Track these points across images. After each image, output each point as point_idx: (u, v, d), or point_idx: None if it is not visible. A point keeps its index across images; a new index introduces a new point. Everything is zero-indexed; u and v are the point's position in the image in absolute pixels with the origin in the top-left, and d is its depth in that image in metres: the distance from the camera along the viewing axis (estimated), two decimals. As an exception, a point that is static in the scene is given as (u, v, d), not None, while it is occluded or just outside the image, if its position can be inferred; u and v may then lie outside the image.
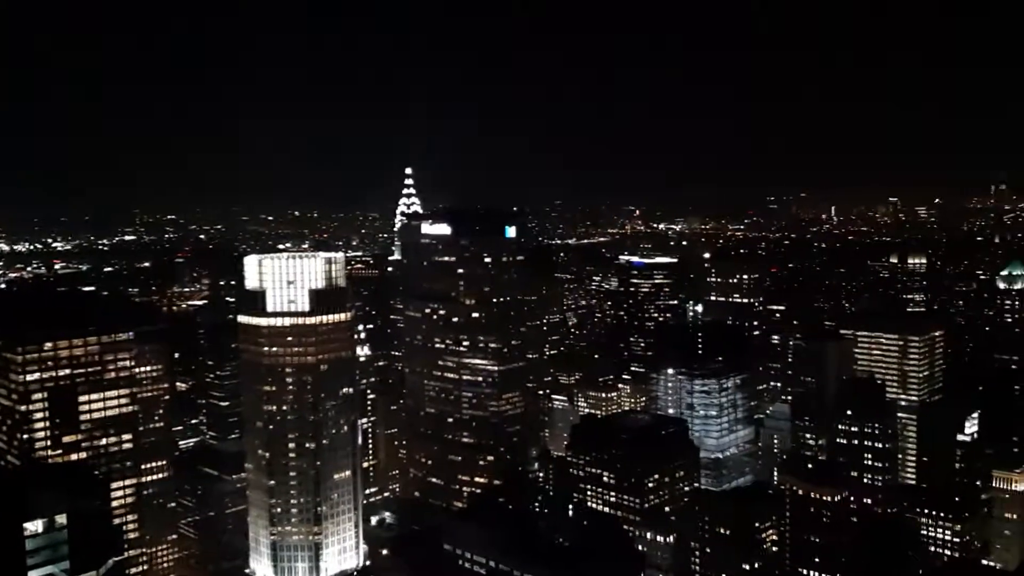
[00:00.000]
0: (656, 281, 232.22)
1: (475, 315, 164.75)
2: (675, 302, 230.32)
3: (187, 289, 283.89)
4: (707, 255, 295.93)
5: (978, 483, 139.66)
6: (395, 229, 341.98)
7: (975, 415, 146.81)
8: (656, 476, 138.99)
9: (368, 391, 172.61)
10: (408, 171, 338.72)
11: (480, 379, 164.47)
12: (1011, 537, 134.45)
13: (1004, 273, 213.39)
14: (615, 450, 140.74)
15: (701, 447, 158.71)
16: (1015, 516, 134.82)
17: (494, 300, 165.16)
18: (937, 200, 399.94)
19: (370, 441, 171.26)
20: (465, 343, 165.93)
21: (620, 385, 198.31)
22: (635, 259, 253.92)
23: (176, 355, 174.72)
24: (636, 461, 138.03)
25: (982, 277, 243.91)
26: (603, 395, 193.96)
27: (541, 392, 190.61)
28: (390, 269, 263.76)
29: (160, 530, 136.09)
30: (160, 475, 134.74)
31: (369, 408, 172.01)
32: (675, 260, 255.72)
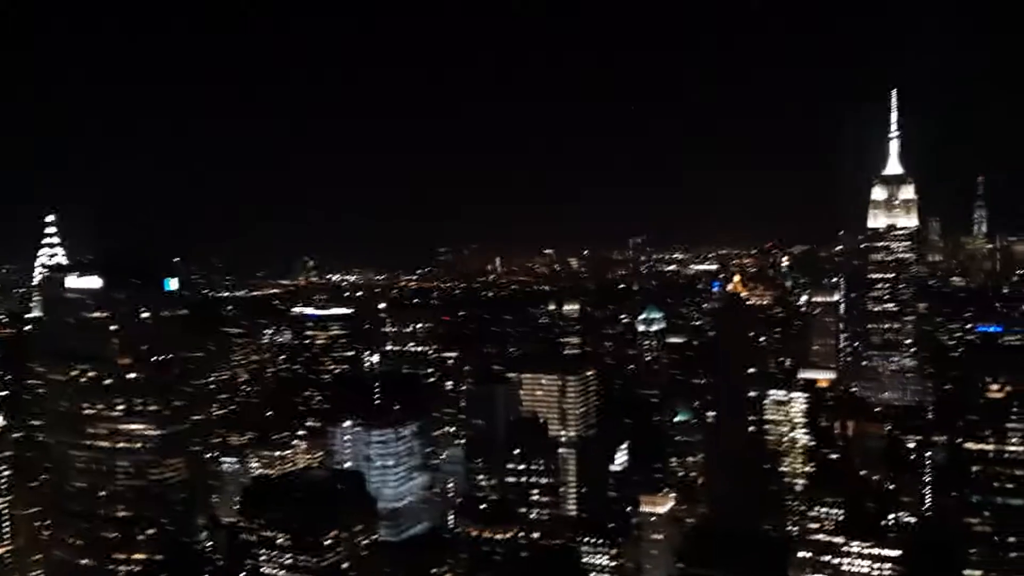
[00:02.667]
0: (332, 332, 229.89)
1: (131, 376, 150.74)
2: (351, 353, 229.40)
3: None
4: (382, 305, 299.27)
5: (628, 509, 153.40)
6: (34, 283, 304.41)
7: (624, 446, 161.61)
8: (334, 533, 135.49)
9: (2, 467, 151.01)
10: (50, 218, 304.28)
11: (138, 445, 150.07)
12: (658, 557, 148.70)
13: (643, 317, 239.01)
14: (290, 510, 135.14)
15: (379, 498, 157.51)
16: (660, 537, 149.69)
17: (153, 359, 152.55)
18: (586, 252, 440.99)
19: (5, 525, 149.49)
20: (120, 407, 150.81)
21: (295, 441, 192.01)
22: (310, 310, 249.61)
23: None
24: (312, 520, 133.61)
25: (625, 320, 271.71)
26: (277, 453, 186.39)
27: (208, 455, 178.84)
28: (28, 328, 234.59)
29: None
30: None
31: (3, 487, 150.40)
32: (351, 311, 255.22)
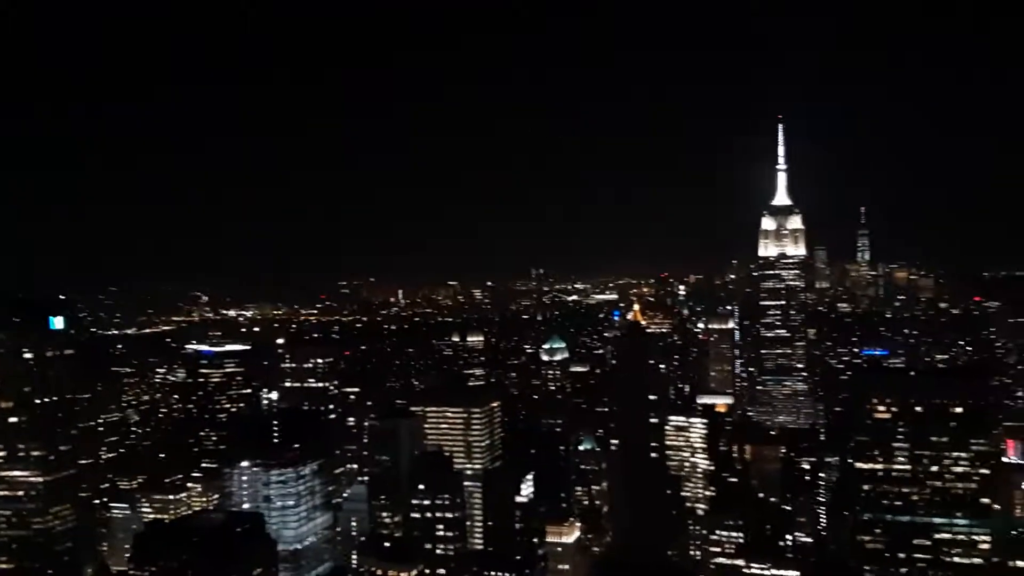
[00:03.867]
0: (227, 370, 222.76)
1: (13, 420, 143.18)
2: (249, 391, 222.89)
3: None
4: (280, 340, 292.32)
5: (535, 540, 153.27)
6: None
7: (529, 477, 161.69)
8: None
9: None
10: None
11: (20, 493, 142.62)
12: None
13: (546, 347, 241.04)
14: (185, 556, 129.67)
15: (280, 539, 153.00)
16: (567, 566, 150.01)
17: (37, 401, 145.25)
18: (489, 283, 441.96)
19: None
20: (1, 453, 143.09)
21: (190, 484, 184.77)
22: (204, 348, 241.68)
23: None
24: (208, 565, 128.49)
25: (529, 351, 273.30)
26: (171, 497, 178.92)
27: (97, 501, 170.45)
28: None
29: None
30: None
31: None
32: (248, 347, 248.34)
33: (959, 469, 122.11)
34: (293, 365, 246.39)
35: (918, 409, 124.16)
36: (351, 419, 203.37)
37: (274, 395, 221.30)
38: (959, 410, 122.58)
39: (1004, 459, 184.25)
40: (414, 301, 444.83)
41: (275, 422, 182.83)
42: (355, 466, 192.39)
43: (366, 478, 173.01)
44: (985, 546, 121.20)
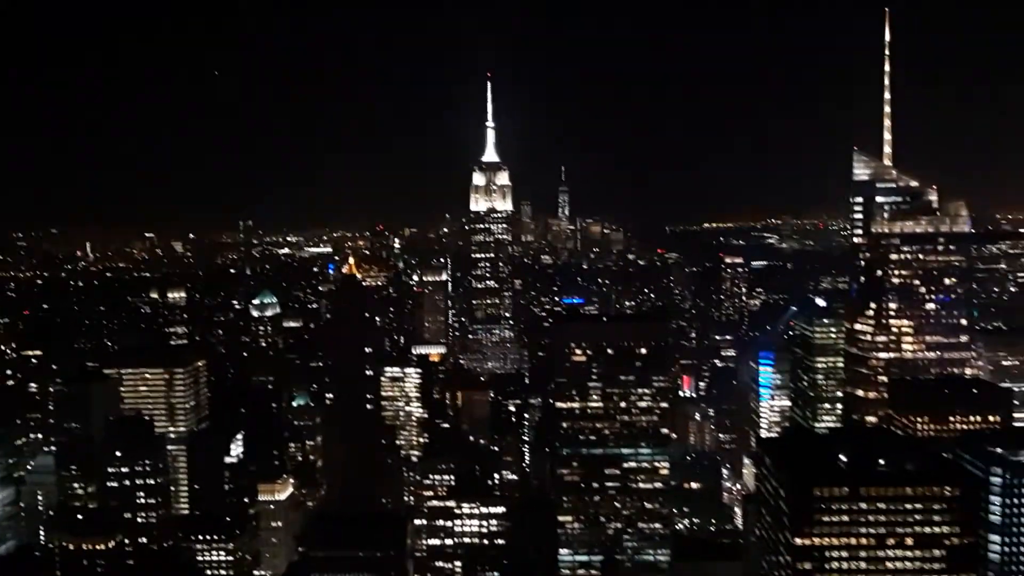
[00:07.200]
0: None
1: None
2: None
3: None
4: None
5: (246, 500, 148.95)
6: None
7: (239, 436, 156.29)
8: None
9: None
10: None
11: None
12: (278, 544, 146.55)
13: (256, 302, 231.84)
14: None
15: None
16: (280, 524, 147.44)
17: None
18: (192, 235, 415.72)
19: None
20: None
21: None
22: None
23: None
24: None
25: (237, 307, 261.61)
26: None
27: None
28: None
29: None
30: None
31: None
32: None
33: (643, 404, 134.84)
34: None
35: (609, 352, 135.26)
36: (33, 385, 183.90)
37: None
38: (643, 351, 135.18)
39: (680, 393, 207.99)
40: (105, 255, 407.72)
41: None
42: (40, 436, 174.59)
43: (54, 448, 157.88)
44: (665, 471, 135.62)
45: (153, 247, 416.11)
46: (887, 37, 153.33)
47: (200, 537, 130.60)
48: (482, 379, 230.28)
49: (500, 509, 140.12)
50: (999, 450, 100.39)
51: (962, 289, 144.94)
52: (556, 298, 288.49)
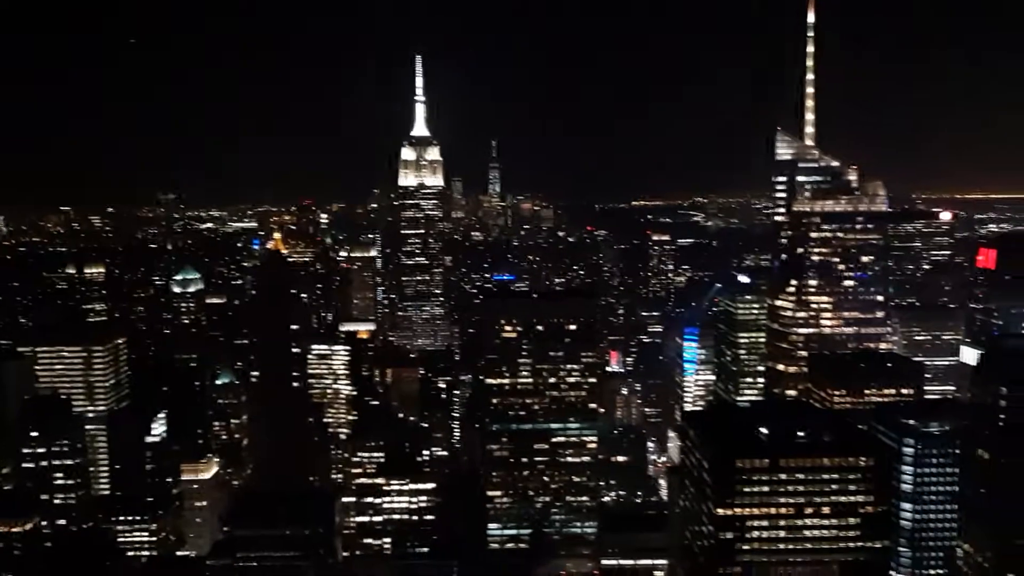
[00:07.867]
0: None
1: None
2: None
3: None
4: None
5: (169, 480, 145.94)
6: None
7: (162, 415, 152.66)
8: None
9: None
10: None
11: None
12: (203, 524, 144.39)
13: (179, 278, 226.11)
14: None
15: None
16: (204, 503, 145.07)
17: None
18: (110, 210, 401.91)
19: None
20: None
21: None
22: None
23: None
24: None
25: (159, 283, 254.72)
26: None
27: None
28: None
29: None
30: None
31: None
32: None
33: (572, 380, 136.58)
34: None
35: (539, 328, 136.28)
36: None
37: None
38: (573, 327, 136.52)
39: (608, 368, 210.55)
40: (19, 229, 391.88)
41: None
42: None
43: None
44: (592, 445, 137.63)
45: (69, 221, 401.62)
46: (811, 18, 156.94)
47: (121, 518, 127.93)
48: (412, 356, 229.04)
49: (429, 485, 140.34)
50: (911, 422, 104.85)
51: (879, 267, 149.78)
52: (486, 275, 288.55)
